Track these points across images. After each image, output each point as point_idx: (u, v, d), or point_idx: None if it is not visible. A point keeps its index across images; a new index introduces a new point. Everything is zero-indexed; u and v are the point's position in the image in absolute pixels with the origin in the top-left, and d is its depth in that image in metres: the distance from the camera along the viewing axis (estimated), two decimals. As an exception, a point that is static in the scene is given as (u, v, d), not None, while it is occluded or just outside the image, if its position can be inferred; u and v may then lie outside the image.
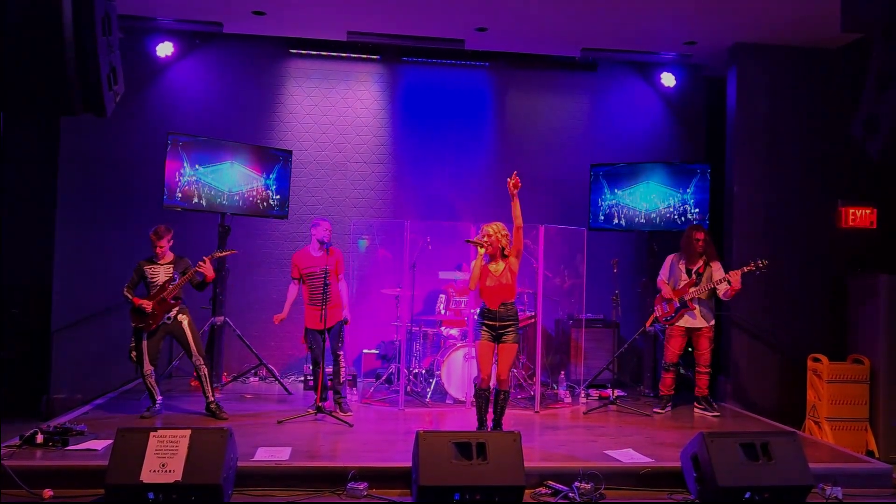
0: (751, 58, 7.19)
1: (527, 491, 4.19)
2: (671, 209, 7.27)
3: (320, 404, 5.67)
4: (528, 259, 6.32)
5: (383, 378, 6.90)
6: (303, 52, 7.86)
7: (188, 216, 6.99)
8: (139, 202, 7.17)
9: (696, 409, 6.41)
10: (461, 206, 7.94)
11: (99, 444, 4.66)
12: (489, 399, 5.13)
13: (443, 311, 7.11)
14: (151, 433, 3.99)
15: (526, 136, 8.16)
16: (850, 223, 7.12)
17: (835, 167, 7.11)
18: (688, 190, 7.23)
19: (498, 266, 5.11)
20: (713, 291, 6.24)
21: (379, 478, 4.34)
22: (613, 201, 7.47)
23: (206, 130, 7.15)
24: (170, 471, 3.84)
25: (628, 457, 4.77)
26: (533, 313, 6.71)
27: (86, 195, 7.17)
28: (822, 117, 7.12)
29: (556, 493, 4.25)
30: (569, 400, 6.71)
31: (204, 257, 5.61)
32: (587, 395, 6.92)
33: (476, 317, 5.23)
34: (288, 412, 5.82)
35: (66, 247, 6.72)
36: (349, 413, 5.90)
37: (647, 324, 6.70)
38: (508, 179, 4.99)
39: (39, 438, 4.63)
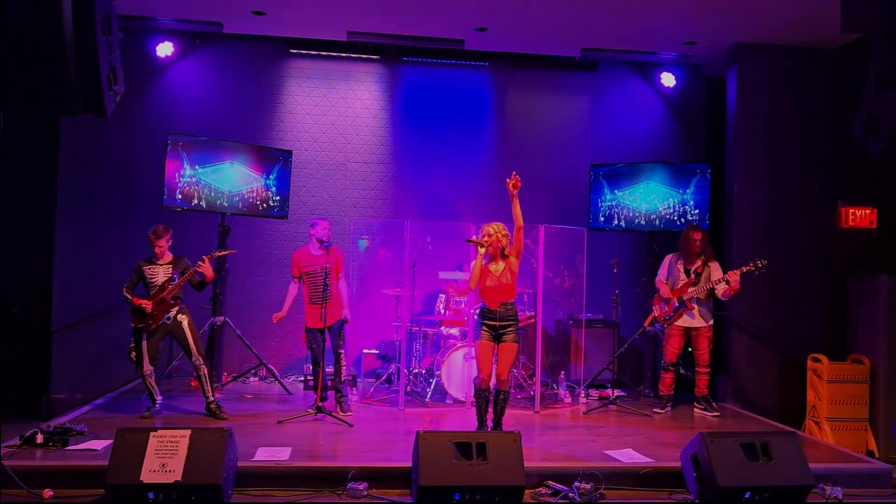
0: (751, 58, 7.19)
1: (527, 491, 4.19)
2: (671, 209, 7.27)
3: (320, 404, 5.67)
4: (528, 259, 6.32)
5: (383, 378, 6.90)
6: (303, 52, 7.86)
7: (188, 216, 6.99)
8: (139, 202, 7.17)
9: (695, 409, 6.41)
10: (461, 206, 7.94)
11: (99, 444, 4.66)
12: (489, 399, 5.13)
13: (443, 311, 7.11)
14: (151, 433, 3.99)
15: (526, 136, 8.16)
16: (850, 223, 7.12)
17: (835, 167, 7.11)
18: (688, 190, 7.23)
19: (498, 266, 5.11)
20: (711, 291, 6.24)
21: (379, 478, 4.34)
22: (613, 201, 7.47)
23: (206, 130, 7.15)
24: (170, 471, 3.84)
25: (628, 457, 4.77)
26: (533, 313, 6.71)
27: (86, 195, 7.17)
28: (822, 117, 7.12)
29: (556, 493, 4.25)
30: (569, 400, 6.71)
31: (203, 257, 5.62)
32: (587, 395, 6.92)
33: (476, 317, 5.23)
34: (288, 412, 5.82)
35: (66, 247, 6.72)
36: (349, 413, 5.91)
37: (646, 323, 6.71)
38: (508, 180, 4.99)
39: (39, 438, 4.63)
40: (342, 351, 6.02)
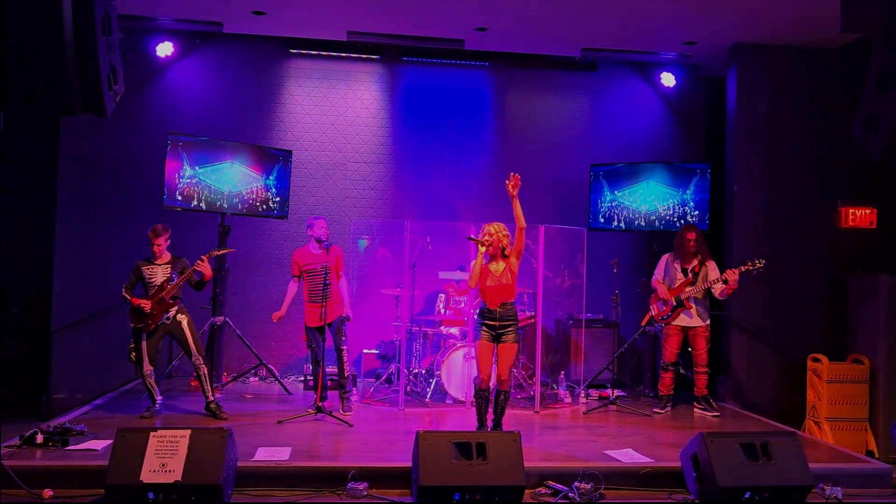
0: (751, 58, 7.19)
1: (527, 491, 4.19)
2: (671, 210, 7.27)
3: (320, 404, 5.67)
4: (528, 259, 6.32)
5: (383, 378, 6.90)
6: (303, 52, 7.86)
7: (188, 216, 6.99)
8: (139, 202, 7.18)
9: (695, 409, 6.41)
10: (461, 206, 7.94)
11: (99, 444, 4.66)
12: (489, 399, 5.13)
13: (443, 311, 7.11)
14: (151, 433, 3.99)
15: (526, 136, 8.16)
16: (850, 223, 7.12)
17: (835, 167, 7.11)
18: (688, 190, 7.23)
19: (498, 266, 5.11)
20: (709, 291, 6.25)
21: (379, 478, 4.34)
22: (613, 202, 7.47)
23: (206, 130, 7.15)
24: (170, 471, 3.84)
25: (628, 457, 4.77)
26: (533, 313, 6.72)
27: (86, 195, 7.18)
28: (822, 117, 7.12)
29: (556, 493, 4.25)
30: (569, 400, 6.70)
31: (202, 256, 5.62)
32: (587, 395, 6.92)
33: (476, 317, 5.23)
34: (288, 412, 5.82)
35: (66, 247, 6.72)
36: (350, 412, 5.91)
37: (643, 322, 6.71)
38: (507, 181, 4.98)
39: (39, 438, 4.63)
40: (344, 348, 6.03)
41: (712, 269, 6.26)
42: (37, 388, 6.19)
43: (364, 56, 7.91)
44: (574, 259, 6.98)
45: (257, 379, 7.39)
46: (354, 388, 6.83)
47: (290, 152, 7.34)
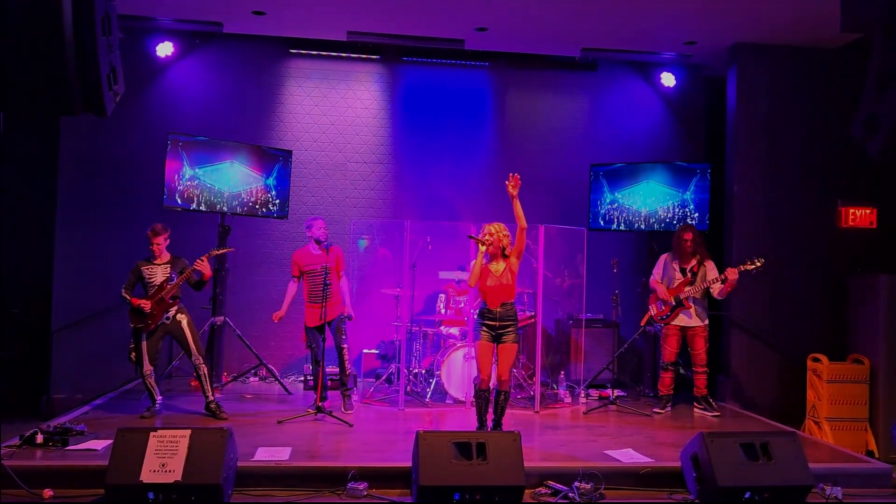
0: (751, 58, 7.19)
1: (527, 491, 4.19)
2: (670, 211, 7.27)
3: (320, 404, 5.67)
4: (528, 259, 6.32)
5: (383, 378, 6.90)
6: (303, 52, 7.86)
7: (188, 216, 6.99)
8: (139, 202, 7.18)
9: (695, 409, 6.41)
10: (461, 206, 7.94)
11: (99, 444, 4.65)
12: (489, 399, 5.13)
13: (443, 311, 7.11)
14: (151, 433, 3.99)
15: (526, 136, 8.16)
16: (850, 223, 7.12)
17: (835, 167, 7.11)
18: (688, 190, 7.23)
19: (499, 266, 5.11)
20: (707, 291, 6.25)
21: (379, 478, 4.34)
22: (614, 203, 7.47)
23: (206, 130, 7.14)
24: (170, 471, 3.84)
25: (628, 457, 4.77)
26: (533, 313, 6.71)
27: (86, 195, 7.17)
28: (822, 117, 7.12)
29: (556, 493, 4.25)
30: (569, 400, 6.70)
31: (202, 256, 5.62)
32: (587, 395, 6.92)
33: (476, 317, 5.23)
34: (288, 412, 5.82)
35: (66, 247, 6.72)
36: (351, 411, 5.93)
37: (643, 323, 6.71)
38: (507, 182, 4.98)
39: (39, 438, 4.63)
40: (345, 346, 6.03)
41: (711, 269, 6.26)
42: (37, 388, 6.19)
43: (364, 56, 7.91)
44: (574, 259, 6.98)
45: (257, 379, 7.39)
46: (354, 388, 6.83)
47: (290, 152, 7.34)
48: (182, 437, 3.96)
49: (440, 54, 7.94)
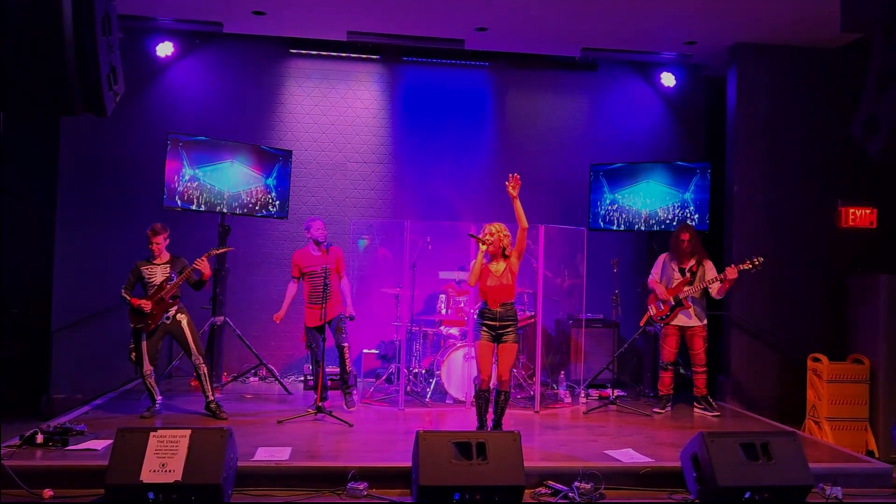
0: (751, 58, 7.19)
1: (527, 491, 4.19)
2: (671, 210, 7.27)
3: (320, 404, 5.67)
4: (528, 259, 6.32)
5: (383, 378, 6.90)
6: (303, 52, 7.86)
7: (189, 216, 6.99)
8: (139, 202, 7.18)
9: (695, 409, 6.41)
10: (461, 206, 7.94)
11: (99, 444, 4.65)
12: (489, 399, 5.13)
13: (444, 311, 7.11)
14: (151, 433, 3.99)
15: (526, 136, 8.16)
16: (850, 223, 7.12)
17: (835, 167, 7.11)
18: (687, 190, 7.23)
19: (499, 266, 5.11)
20: (706, 290, 6.26)
21: (379, 478, 4.34)
22: (614, 204, 7.47)
23: (206, 130, 7.14)
24: (170, 471, 3.84)
25: (628, 457, 4.77)
26: (533, 313, 6.71)
27: (86, 195, 7.17)
28: (822, 117, 7.12)
29: (556, 492, 4.25)
30: (569, 400, 6.70)
31: (202, 255, 5.61)
32: (587, 395, 6.92)
33: (476, 317, 5.23)
34: (288, 412, 5.82)
35: (66, 247, 6.72)
36: (353, 408, 5.95)
37: (642, 323, 6.71)
38: (507, 182, 4.98)
39: (39, 438, 4.63)
40: (345, 345, 6.03)
41: (709, 269, 6.26)
42: (37, 388, 6.19)
43: (364, 56, 7.91)
44: (574, 259, 6.98)
45: (257, 379, 7.39)
46: (355, 388, 6.83)
47: (290, 152, 7.34)
48: (182, 437, 3.96)
49: (440, 54, 7.94)
